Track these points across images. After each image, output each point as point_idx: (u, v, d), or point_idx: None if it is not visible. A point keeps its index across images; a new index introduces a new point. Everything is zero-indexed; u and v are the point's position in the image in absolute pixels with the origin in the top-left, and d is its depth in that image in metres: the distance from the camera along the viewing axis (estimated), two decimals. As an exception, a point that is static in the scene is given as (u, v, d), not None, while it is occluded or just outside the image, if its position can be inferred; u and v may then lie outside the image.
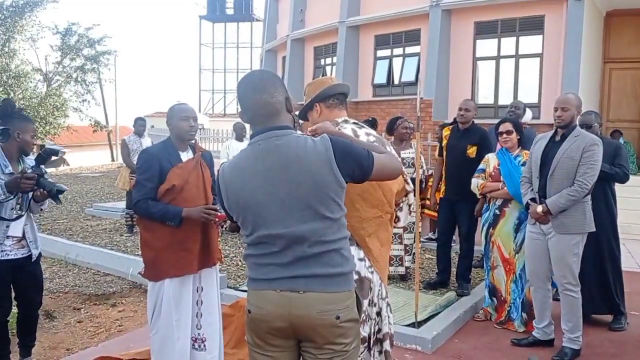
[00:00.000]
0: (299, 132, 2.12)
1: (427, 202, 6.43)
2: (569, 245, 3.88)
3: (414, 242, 5.67)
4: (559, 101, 3.98)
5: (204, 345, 3.36)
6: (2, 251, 3.38)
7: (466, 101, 5.49)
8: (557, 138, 3.98)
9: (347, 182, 1.99)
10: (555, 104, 4.00)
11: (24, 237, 3.48)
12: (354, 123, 2.62)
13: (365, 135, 2.57)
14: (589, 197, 3.91)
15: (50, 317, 4.82)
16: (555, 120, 3.97)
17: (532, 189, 4.07)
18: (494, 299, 4.75)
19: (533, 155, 4.10)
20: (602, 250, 4.56)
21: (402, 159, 5.72)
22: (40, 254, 3.66)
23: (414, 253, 5.72)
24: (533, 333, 4.27)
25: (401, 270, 5.83)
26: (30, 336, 3.76)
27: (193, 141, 3.37)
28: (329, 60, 15.72)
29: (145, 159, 3.19)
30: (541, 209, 3.91)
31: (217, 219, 3.19)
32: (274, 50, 19.12)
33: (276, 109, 2.02)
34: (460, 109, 5.37)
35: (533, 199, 4.04)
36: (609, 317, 4.74)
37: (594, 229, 3.98)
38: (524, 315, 4.54)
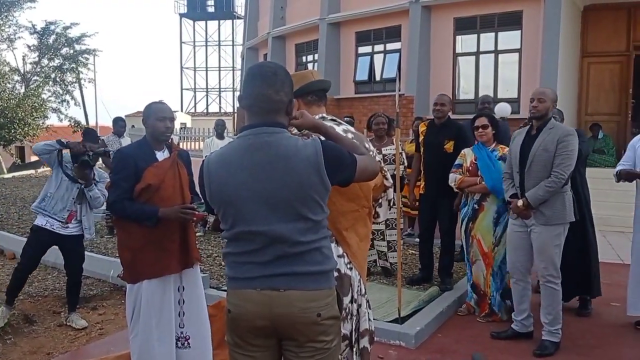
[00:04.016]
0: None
1: (406, 200, 6.43)
2: (551, 236, 3.92)
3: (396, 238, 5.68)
4: (536, 92, 4.02)
5: (188, 343, 3.34)
6: (49, 224, 4.49)
7: (441, 96, 5.47)
8: (533, 132, 4.02)
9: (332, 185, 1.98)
10: (531, 95, 4.04)
11: (80, 221, 4.60)
12: (332, 120, 2.60)
13: (343, 132, 2.54)
14: (568, 186, 3.96)
15: (29, 321, 4.74)
16: (530, 110, 4.01)
17: (514, 185, 4.09)
18: (476, 293, 4.78)
19: (512, 151, 4.13)
20: (585, 239, 4.64)
21: (383, 155, 5.72)
22: (82, 236, 4.68)
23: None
24: (512, 326, 4.29)
25: (387, 264, 5.85)
26: (75, 297, 4.78)
27: (169, 140, 3.33)
28: (310, 58, 15.71)
29: (120, 159, 3.15)
30: (521, 203, 3.93)
31: (194, 219, 3.15)
32: (255, 48, 19.06)
33: (277, 107, 1.99)
34: (435, 104, 5.36)
35: (514, 195, 4.06)
36: (574, 303, 4.90)
37: (574, 219, 4.02)
38: (508, 302, 4.55)
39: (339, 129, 2.54)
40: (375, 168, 2.19)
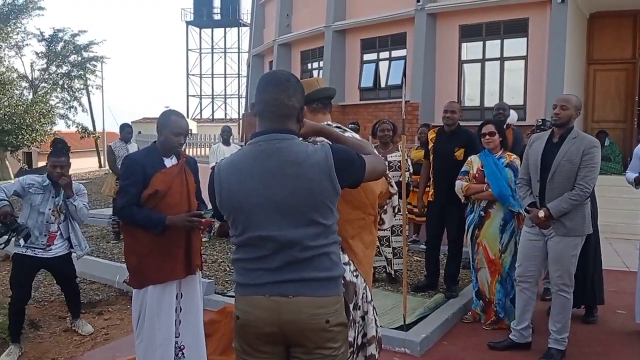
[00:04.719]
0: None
1: (414, 208, 6.40)
2: (569, 247, 3.86)
3: (402, 244, 5.67)
4: (559, 99, 3.93)
5: (182, 354, 3.34)
6: (30, 250, 4.21)
7: (451, 103, 5.44)
8: (555, 140, 3.90)
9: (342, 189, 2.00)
10: (555, 101, 3.94)
11: (68, 238, 4.39)
12: (337, 127, 2.61)
13: (348, 138, 2.56)
14: (589, 199, 3.89)
15: (35, 326, 4.76)
16: (552, 117, 3.92)
17: (532, 193, 4.00)
18: (481, 300, 4.76)
19: (531, 157, 4.01)
20: (589, 246, 4.63)
21: (389, 162, 5.71)
22: (69, 254, 4.48)
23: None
24: (510, 336, 4.24)
25: (390, 271, 5.84)
26: (76, 305, 4.73)
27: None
28: (315, 65, 15.75)
29: (128, 165, 3.17)
30: (543, 214, 3.83)
31: (201, 227, 3.17)
32: (261, 55, 19.12)
33: (289, 112, 2.01)
34: (445, 111, 5.32)
35: (533, 204, 3.98)
36: (580, 311, 4.86)
37: (591, 231, 3.98)
38: (513, 307, 4.52)
39: (344, 136, 2.55)
40: (383, 167, 2.21)
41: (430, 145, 5.50)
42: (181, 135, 3.22)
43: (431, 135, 5.57)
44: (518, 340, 4.19)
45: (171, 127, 3.20)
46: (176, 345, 3.31)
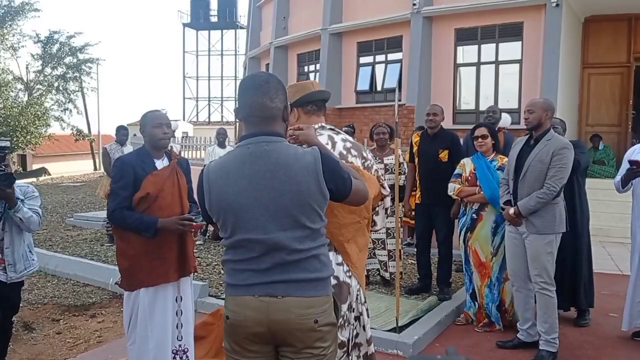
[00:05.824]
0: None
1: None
2: (542, 245, 3.95)
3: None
4: (527, 104, 4.11)
5: (186, 357, 3.34)
6: None
7: (433, 106, 5.53)
8: (532, 142, 4.06)
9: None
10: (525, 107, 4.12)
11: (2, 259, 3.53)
12: (331, 129, 2.63)
13: (341, 141, 2.58)
14: (560, 198, 3.98)
15: (28, 328, 4.75)
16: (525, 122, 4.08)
17: (509, 192, 4.14)
18: (476, 302, 4.78)
19: (510, 158, 4.19)
20: (579, 249, 4.65)
21: (385, 164, 5.74)
22: (22, 281, 3.74)
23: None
24: (517, 335, 4.30)
25: (386, 275, 5.85)
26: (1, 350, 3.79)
27: (169, 148, 3.35)
28: (312, 67, 15.76)
29: (119, 168, 3.17)
30: (512, 211, 4.00)
31: (192, 229, 3.17)
32: (258, 58, 19.14)
33: (273, 114, 2.02)
34: (428, 114, 5.40)
35: (508, 202, 4.12)
36: (572, 314, 4.90)
37: (564, 230, 4.04)
38: (499, 314, 4.60)
39: (337, 138, 2.58)
40: (366, 194, 2.21)
41: (415, 148, 5.55)
42: (162, 125, 3.22)
43: (415, 138, 5.63)
44: (526, 339, 4.24)
45: (150, 121, 3.22)
46: (180, 348, 3.30)
